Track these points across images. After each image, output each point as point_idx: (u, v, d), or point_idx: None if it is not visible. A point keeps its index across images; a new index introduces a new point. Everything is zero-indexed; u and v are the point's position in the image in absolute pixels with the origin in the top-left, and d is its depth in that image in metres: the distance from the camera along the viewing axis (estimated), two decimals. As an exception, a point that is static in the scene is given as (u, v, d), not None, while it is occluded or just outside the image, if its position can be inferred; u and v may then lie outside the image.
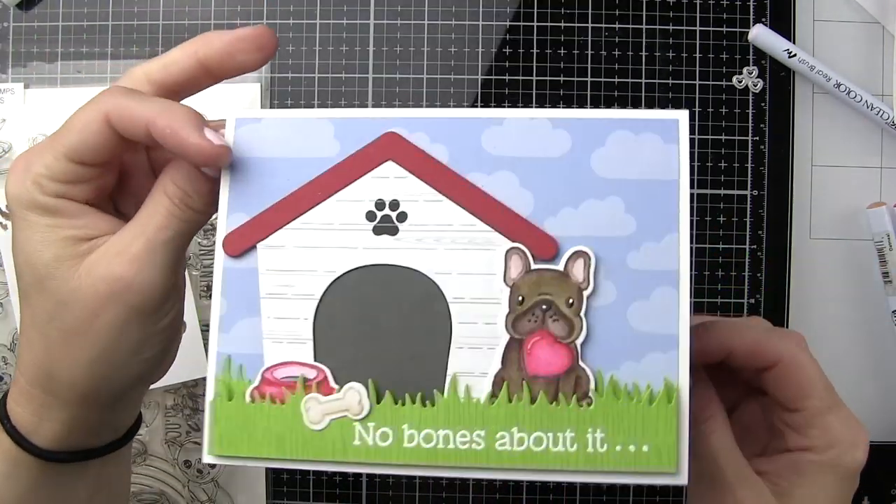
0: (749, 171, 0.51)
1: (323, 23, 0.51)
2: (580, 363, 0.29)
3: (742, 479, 0.34)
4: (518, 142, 0.30)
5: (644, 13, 0.50)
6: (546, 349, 0.29)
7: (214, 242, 0.31)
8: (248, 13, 0.51)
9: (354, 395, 0.29)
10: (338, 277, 0.30)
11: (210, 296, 0.38)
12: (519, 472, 0.29)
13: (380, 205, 0.30)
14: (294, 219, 0.31)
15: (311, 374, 0.30)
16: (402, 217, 0.30)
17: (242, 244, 0.31)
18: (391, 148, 0.31)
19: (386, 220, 0.30)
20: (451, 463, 0.29)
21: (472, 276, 0.30)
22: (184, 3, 0.52)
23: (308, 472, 0.50)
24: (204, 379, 0.41)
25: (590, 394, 0.29)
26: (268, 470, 0.50)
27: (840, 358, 0.51)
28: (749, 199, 0.51)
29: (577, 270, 0.29)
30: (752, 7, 0.51)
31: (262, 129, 0.31)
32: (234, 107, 0.49)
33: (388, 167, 0.31)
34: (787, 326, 0.52)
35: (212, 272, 0.34)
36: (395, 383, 0.30)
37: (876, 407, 0.52)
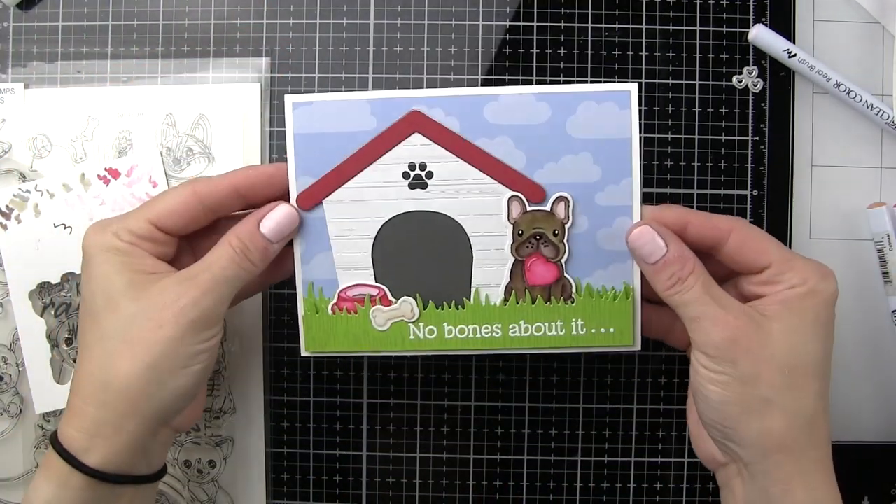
0: (749, 171, 0.50)
1: (323, 23, 0.51)
2: (565, 275, 0.41)
3: (729, 301, 0.38)
4: (511, 112, 0.40)
5: (644, 13, 0.50)
6: (541, 266, 0.41)
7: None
8: (248, 13, 0.51)
9: (407, 305, 0.42)
10: (386, 221, 0.41)
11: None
12: (526, 350, 0.42)
13: (412, 166, 0.41)
14: (349, 179, 0.41)
15: (373, 292, 0.42)
16: (430, 175, 0.41)
17: (312, 200, 0.41)
18: (417, 123, 0.41)
19: (417, 178, 0.41)
20: (478, 347, 0.42)
21: (485, 217, 0.41)
22: (184, 4, 0.51)
23: (308, 472, 0.51)
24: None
25: (573, 295, 0.41)
26: (268, 470, 0.51)
27: (840, 358, 0.48)
28: (749, 199, 0.50)
29: (560, 210, 0.41)
30: (752, 7, 0.50)
31: (314, 111, 0.41)
32: (238, 107, 0.50)
33: (415, 137, 0.41)
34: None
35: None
36: (435, 295, 0.42)
37: (876, 407, 0.51)
